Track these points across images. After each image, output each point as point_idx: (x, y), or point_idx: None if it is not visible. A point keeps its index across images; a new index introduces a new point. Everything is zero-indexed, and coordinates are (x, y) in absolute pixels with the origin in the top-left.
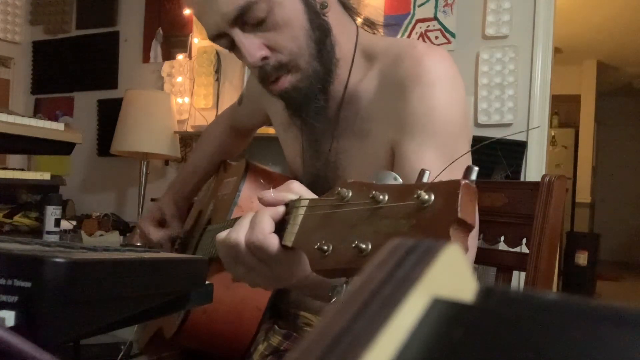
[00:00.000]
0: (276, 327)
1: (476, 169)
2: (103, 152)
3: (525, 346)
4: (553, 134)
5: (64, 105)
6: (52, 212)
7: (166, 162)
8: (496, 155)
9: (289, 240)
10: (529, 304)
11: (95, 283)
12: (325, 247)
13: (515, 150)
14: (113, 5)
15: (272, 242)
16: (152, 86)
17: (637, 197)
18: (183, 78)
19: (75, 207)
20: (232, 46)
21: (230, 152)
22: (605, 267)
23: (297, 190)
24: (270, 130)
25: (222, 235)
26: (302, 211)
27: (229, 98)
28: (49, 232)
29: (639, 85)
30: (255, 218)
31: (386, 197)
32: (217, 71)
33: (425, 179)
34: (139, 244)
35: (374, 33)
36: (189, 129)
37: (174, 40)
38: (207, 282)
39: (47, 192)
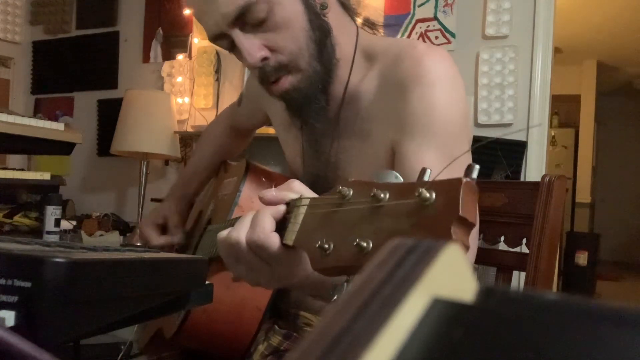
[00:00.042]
0: (276, 327)
1: (477, 167)
2: (103, 152)
3: (525, 346)
4: (553, 134)
5: (64, 105)
6: (52, 212)
7: (166, 162)
8: (496, 155)
9: (290, 239)
10: (529, 304)
11: (95, 283)
12: (326, 246)
13: (515, 150)
14: (113, 5)
15: (273, 240)
16: (152, 86)
17: (637, 197)
18: (183, 78)
19: (75, 207)
20: (232, 47)
21: (231, 153)
22: (605, 267)
23: (298, 189)
24: (270, 130)
25: (223, 234)
26: (303, 210)
27: (229, 98)
28: (49, 232)
29: (639, 85)
30: (256, 217)
31: (387, 196)
32: (217, 71)
33: (426, 178)
34: (139, 244)
35: (374, 33)
36: (189, 129)
37: (174, 40)
38: (207, 282)
39: (47, 192)
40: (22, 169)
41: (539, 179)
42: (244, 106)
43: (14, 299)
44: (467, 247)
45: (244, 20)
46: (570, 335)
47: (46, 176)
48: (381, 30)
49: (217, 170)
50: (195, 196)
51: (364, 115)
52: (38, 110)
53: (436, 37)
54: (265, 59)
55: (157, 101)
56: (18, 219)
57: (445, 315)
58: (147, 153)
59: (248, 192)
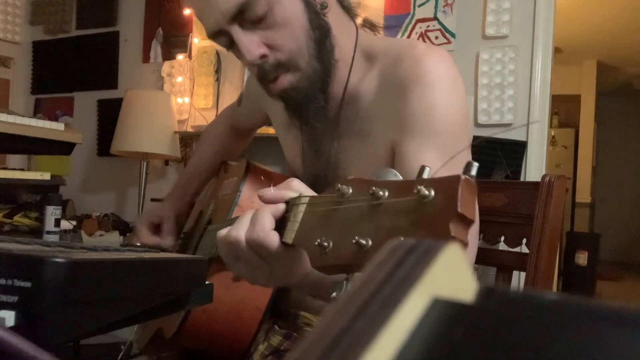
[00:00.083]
0: (276, 327)
1: (476, 164)
2: (103, 152)
3: (525, 346)
4: (553, 134)
5: (64, 105)
6: (52, 212)
7: (166, 162)
8: (496, 155)
9: (289, 238)
10: (529, 304)
11: (95, 283)
12: (326, 244)
13: (515, 150)
14: (113, 5)
15: (273, 239)
16: (152, 86)
17: (637, 197)
18: (183, 78)
19: (75, 207)
20: (231, 44)
21: (231, 153)
22: (605, 267)
23: (297, 187)
24: (270, 130)
25: (223, 232)
26: (302, 208)
27: (229, 98)
28: (49, 232)
29: (639, 85)
30: (255, 215)
31: (386, 193)
32: (217, 71)
33: (425, 176)
34: (138, 244)
35: (374, 34)
36: (189, 129)
37: (174, 40)
38: (207, 282)
39: (47, 192)
40: (22, 169)
41: (539, 179)
42: (244, 106)
43: (14, 299)
44: (465, 244)
45: (243, 17)
46: (570, 335)
47: (46, 176)
48: (381, 31)
49: (217, 171)
50: (195, 196)
51: (364, 115)
52: (38, 110)
53: (436, 37)
54: (263, 56)
55: (157, 101)
56: (18, 219)
57: (445, 315)
58: (147, 153)
59: (248, 192)
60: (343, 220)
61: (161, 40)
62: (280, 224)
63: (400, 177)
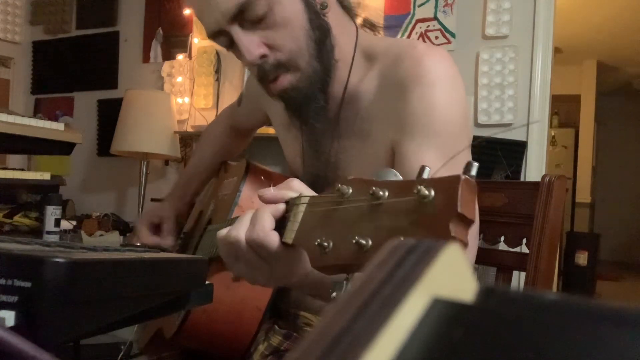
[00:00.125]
0: (276, 327)
1: (476, 164)
2: (103, 152)
3: (525, 346)
4: (553, 134)
5: (64, 105)
6: (52, 212)
7: (166, 162)
8: (496, 155)
9: (289, 238)
10: (529, 304)
11: (95, 283)
12: (326, 244)
13: (515, 150)
14: (113, 5)
15: (273, 239)
16: (152, 86)
17: (637, 197)
18: (183, 78)
19: (75, 207)
20: (231, 44)
21: (231, 153)
22: (605, 267)
23: (297, 187)
24: (270, 130)
25: (223, 232)
26: (302, 208)
27: (229, 98)
28: (49, 232)
29: (639, 85)
30: (255, 215)
31: (386, 193)
32: (217, 71)
33: (425, 175)
34: (138, 244)
35: (374, 34)
36: (189, 129)
37: (174, 40)
38: (207, 282)
39: (47, 192)
40: (22, 169)
41: (539, 179)
42: (244, 106)
43: (14, 299)
44: (465, 245)
45: (243, 17)
46: (570, 335)
47: (46, 176)
48: (381, 31)
49: (218, 171)
50: (195, 196)
51: (364, 115)
52: (38, 110)
53: (436, 37)
54: (263, 56)
55: (157, 101)
56: (18, 219)
57: (445, 315)
58: (147, 153)
59: (248, 192)
60: (343, 220)
61: (161, 40)
62: (280, 224)
63: (400, 177)
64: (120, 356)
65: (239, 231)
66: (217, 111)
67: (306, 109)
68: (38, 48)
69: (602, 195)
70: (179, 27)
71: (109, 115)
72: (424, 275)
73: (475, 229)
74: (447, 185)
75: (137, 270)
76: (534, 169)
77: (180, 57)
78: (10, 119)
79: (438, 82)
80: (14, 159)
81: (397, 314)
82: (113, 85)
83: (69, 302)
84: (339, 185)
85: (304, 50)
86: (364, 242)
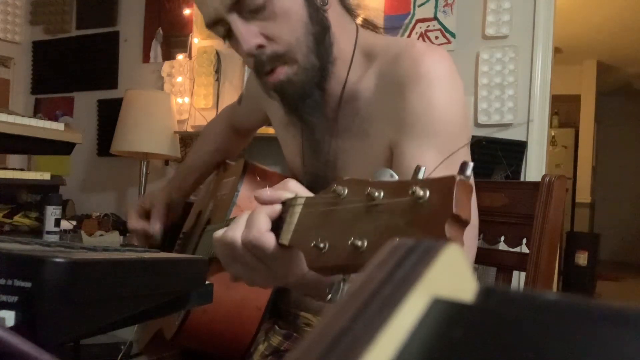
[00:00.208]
0: (276, 327)
1: (471, 164)
2: (103, 152)
3: (525, 346)
4: (553, 134)
5: (64, 105)
6: (52, 212)
7: (166, 162)
8: (496, 155)
9: (285, 239)
10: (529, 304)
11: (95, 283)
12: (322, 245)
13: (515, 150)
14: (113, 5)
15: (269, 240)
16: (152, 86)
17: (637, 197)
18: (183, 78)
19: (75, 207)
20: (229, 35)
21: (230, 152)
22: (605, 267)
23: (293, 188)
24: (270, 130)
25: (219, 233)
26: (298, 209)
27: (229, 98)
28: (49, 232)
29: (639, 85)
30: (251, 217)
31: (382, 194)
32: (217, 71)
33: (420, 176)
34: (137, 244)
35: (375, 33)
36: (189, 129)
37: (174, 40)
38: (207, 282)
39: (47, 192)
40: (22, 169)
41: (539, 179)
42: (244, 105)
43: (14, 299)
44: (461, 245)
45: (243, 6)
46: (570, 335)
47: (46, 176)
48: (382, 32)
49: (216, 169)
50: (190, 191)
51: (363, 114)
52: (38, 110)
53: (436, 37)
54: (260, 46)
55: (157, 101)
56: (18, 219)
57: (445, 315)
58: (147, 153)
59: (246, 191)
60: (339, 221)
61: (161, 40)
62: (277, 225)
63: (397, 177)
64: (120, 356)
65: (235, 232)
66: (217, 111)
67: (302, 104)
68: (38, 48)
69: (602, 195)
70: (179, 27)
71: (109, 115)
72: (424, 275)
73: (474, 229)
74: (442, 186)
75: (137, 270)
76: (534, 169)
77: (180, 57)
78: (10, 119)
79: (437, 81)
80: (14, 159)
81: (397, 314)
82: (113, 85)
83: (69, 302)
84: (335, 186)
85: (302, 43)
86: (359, 243)
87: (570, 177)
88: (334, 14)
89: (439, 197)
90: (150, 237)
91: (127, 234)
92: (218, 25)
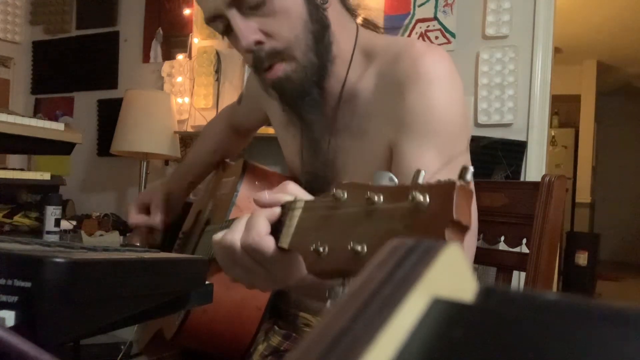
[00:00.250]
0: (276, 327)
1: (471, 169)
2: (103, 152)
3: (525, 346)
4: (553, 134)
5: (64, 105)
6: (52, 212)
7: (166, 162)
8: (496, 155)
9: (285, 242)
10: (529, 304)
11: (95, 283)
12: (321, 249)
13: (515, 151)
14: (113, 5)
15: (268, 243)
16: (152, 86)
17: (637, 197)
18: (183, 78)
19: (75, 207)
20: (228, 30)
21: (229, 151)
22: (605, 267)
23: (292, 191)
24: (270, 130)
25: (218, 236)
26: (297, 213)
27: (229, 98)
28: (49, 232)
29: (639, 85)
30: (250, 220)
31: (381, 199)
32: (217, 71)
33: (420, 180)
34: (138, 244)
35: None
36: (189, 129)
37: (174, 40)
38: (207, 282)
39: (47, 192)
40: (22, 169)
41: (539, 179)
42: (244, 105)
43: (14, 299)
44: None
45: (242, 2)
46: (570, 335)
47: (46, 176)
48: (382, 32)
49: (216, 169)
50: (190, 189)
51: (362, 113)
52: (38, 110)
53: (436, 37)
54: (259, 43)
55: (157, 101)
56: (18, 219)
57: (445, 315)
58: (147, 153)
59: (245, 191)
60: (338, 225)
61: (161, 40)
62: (276, 228)
63: (396, 181)
64: (120, 356)
65: (234, 236)
66: (217, 111)
67: (301, 102)
68: (38, 48)
69: (602, 195)
70: (179, 27)
71: (109, 115)
72: (424, 275)
73: (474, 229)
74: (441, 191)
75: (137, 270)
76: (534, 169)
77: (180, 57)
78: (10, 119)
79: (437, 81)
80: (14, 159)
81: (397, 314)
82: (113, 85)
83: (69, 302)
84: (334, 189)
85: (301, 40)
86: (359, 247)
87: (570, 177)
88: (334, 12)
89: (439, 203)
90: (151, 231)
91: (127, 234)
92: (217, 21)
